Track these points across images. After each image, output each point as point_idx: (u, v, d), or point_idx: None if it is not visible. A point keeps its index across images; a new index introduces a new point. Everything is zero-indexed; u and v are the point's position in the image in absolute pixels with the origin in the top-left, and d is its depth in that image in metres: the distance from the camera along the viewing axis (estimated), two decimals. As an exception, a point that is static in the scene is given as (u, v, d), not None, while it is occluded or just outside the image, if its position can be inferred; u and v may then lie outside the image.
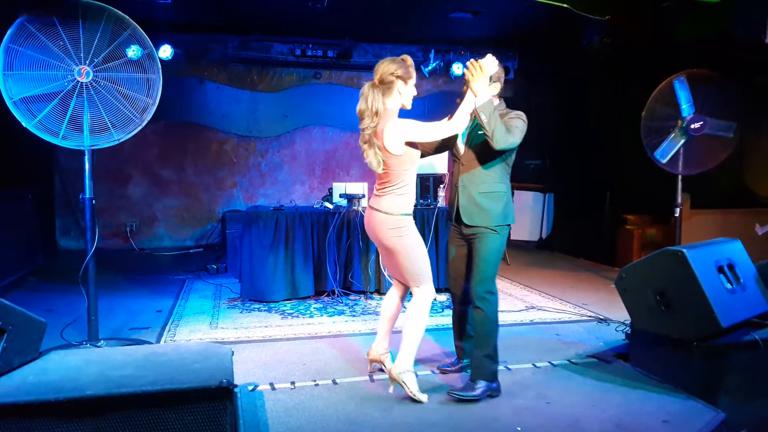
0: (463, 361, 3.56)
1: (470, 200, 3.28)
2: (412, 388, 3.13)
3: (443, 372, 3.57)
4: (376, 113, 3.14)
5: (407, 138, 3.11)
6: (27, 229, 6.25)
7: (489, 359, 3.20)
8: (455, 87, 8.59)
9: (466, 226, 3.30)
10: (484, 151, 3.25)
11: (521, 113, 3.30)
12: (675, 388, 3.21)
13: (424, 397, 3.13)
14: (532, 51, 8.50)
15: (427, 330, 3.66)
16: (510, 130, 3.16)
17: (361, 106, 3.18)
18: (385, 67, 3.16)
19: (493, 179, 3.29)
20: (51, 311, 4.82)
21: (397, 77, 3.15)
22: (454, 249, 3.45)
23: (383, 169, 3.15)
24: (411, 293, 3.30)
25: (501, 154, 3.23)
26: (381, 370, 3.52)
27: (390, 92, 3.17)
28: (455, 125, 3.14)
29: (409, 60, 3.22)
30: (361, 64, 8.56)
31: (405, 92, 3.20)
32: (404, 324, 3.23)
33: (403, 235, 3.16)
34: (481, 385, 3.17)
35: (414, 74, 3.23)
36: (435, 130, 3.13)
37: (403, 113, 3.24)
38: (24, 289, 5.75)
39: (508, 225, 3.31)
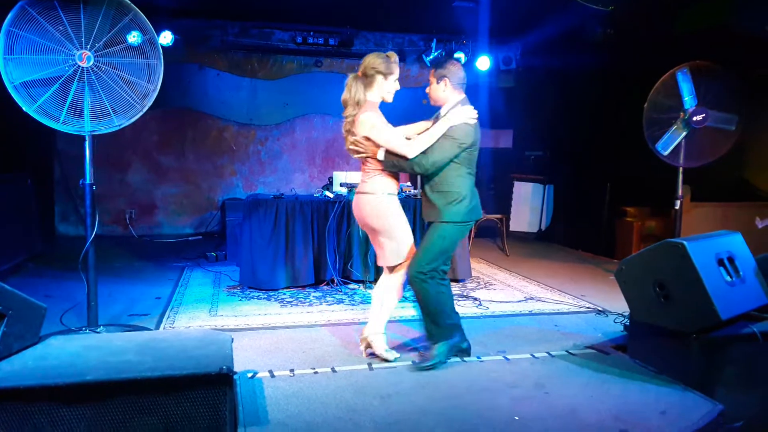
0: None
1: (425, 197, 3.52)
2: (380, 347, 3.51)
3: (421, 355, 3.59)
4: (358, 103, 3.38)
5: (367, 133, 3.33)
6: (26, 214, 6.24)
7: (432, 323, 3.46)
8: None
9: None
10: None
11: (457, 128, 3.37)
12: (673, 379, 3.22)
13: (390, 355, 3.50)
14: (535, 41, 8.45)
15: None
16: (430, 150, 3.36)
17: (344, 95, 3.41)
18: (370, 60, 3.39)
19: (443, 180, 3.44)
20: (50, 297, 4.83)
21: (377, 72, 3.37)
22: None
23: (366, 157, 3.40)
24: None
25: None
26: (372, 354, 3.59)
27: (371, 85, 3.39)
28: (409, 150, 3.32)
29: (394, 57, 3.46)
30: (362, 52, 8.47)
31: (385, 87, 3.41)
32: (376, 298, 3.58)
33: (388, 214, 3.41)
34: (437, 349, 3.44)
35: (396, 71, 3.44)
36: (392, 142, 3.33)
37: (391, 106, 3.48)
38: (22, 275, 5.74)
39: (464, 222, 3.47)
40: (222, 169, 8.76)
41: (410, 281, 3.43)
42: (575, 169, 8.08)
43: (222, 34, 8.07)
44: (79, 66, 3.66)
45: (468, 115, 3.38)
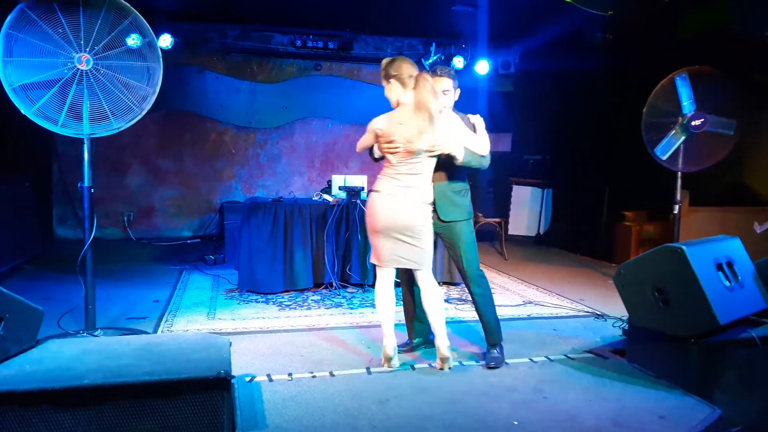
0: (414, 340, 3.86)
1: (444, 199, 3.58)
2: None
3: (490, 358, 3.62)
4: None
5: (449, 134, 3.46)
6: (24, 217, 6.24)
7: (496, 322, 3.65)
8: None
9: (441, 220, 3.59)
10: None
11: None
12: (671, 384, 3.22)
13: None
14: (534, 45, 8.47)
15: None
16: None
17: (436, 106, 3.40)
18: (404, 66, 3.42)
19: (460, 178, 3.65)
20: (48, 300, 4.82)
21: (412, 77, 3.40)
22: None
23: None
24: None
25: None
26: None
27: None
28: (485, 148, 3.51)
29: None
30: (361, 56, 8.53)
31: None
32: (433, 309, 3.48)
33: (430, 222, 3.52)
34: (502, 349, 3.64)
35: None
36: (475, 142, 3.52)
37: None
38: (20, 278, 5.73)
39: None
40: (221, 172, 8.76)
41: (474, 283, 3.57)
42: (574, 173, 8.09)
43: (221, 38, 8.08)
44: (78, 69, 3.66)
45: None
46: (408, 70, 3.38)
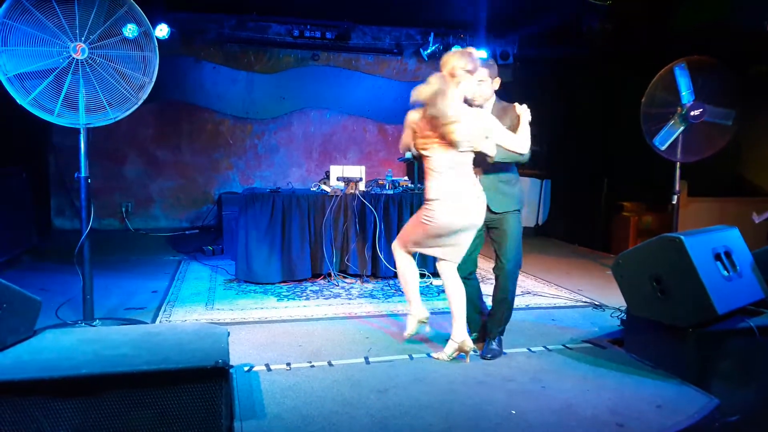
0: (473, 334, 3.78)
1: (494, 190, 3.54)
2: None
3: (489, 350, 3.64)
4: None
5: (487, 132, 3.38)
6: (21, 207, 6.21)
7: (509, 313, 3.71)
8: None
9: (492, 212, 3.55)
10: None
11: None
12: (669, 374, 3.23)
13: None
14: (532, 36, 8.43)
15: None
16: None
17: (430, 92, 3.28)
18: (455, 61, 3.27)
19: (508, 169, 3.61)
20: (45, 290, 4.80)
21: (466, 71, 3.27)
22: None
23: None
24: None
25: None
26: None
27: (458, 84, 3.29)
28: (521, 145, 3.42)
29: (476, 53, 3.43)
30: (359, 46, 8.48)
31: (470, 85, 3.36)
32: (459, 299, 3.49)
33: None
34: (501, 342, 3.65)
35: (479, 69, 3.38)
36: (510, 139, 3.43)
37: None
38: (18, 269, 5.72)
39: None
40: (218, 163, 8.73)
41: (509, 279, 3.60)
42: (572, 164, 8.08)
43: (218, 27, 8.02)
44: (73, 58, 3.63)
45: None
46: (447, 64, 3.31)
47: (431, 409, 2.86)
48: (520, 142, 3.40)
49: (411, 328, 3.68)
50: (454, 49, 3.44)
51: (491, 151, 3.35)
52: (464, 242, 3.46)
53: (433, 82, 3.23)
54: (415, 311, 3.65)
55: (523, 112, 3.49)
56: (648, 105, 5.34)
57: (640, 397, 2.99)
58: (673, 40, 6.05)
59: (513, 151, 3.41)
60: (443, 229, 3.36)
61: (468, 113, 3.27)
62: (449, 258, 3.48)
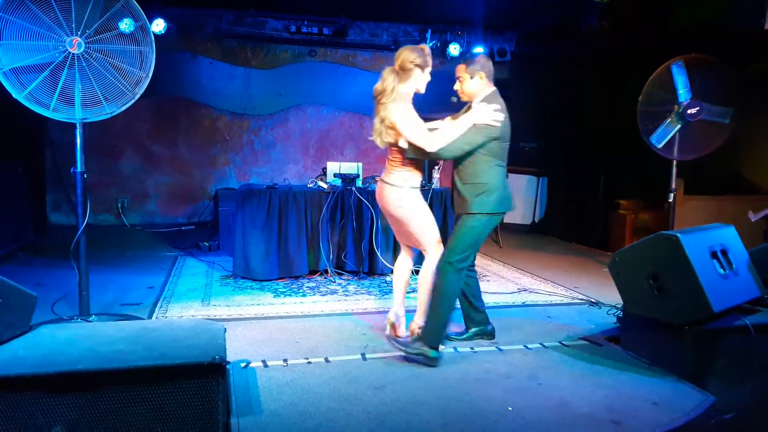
0: (471, 329, 3.83)
1: (455, 190, 3.59)
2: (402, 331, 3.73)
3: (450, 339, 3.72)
4: (392, 94, 3.43)
5: (395, 123, 3.40)
6: (17, 203, 6.18)
7: (432, 313, 3.48)
8: (451, 68, 8.50)
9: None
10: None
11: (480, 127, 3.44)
12: (665, 371, 3.23)
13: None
14: (530, 33, 8.43)
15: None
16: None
17: (378, 86, 3.47)
18: (406, 54, 3.45)
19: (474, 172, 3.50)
20: (41, 286, 4.79)
21: (416, 65, 3.45)
22: None
23: (391, 145, 3.50)
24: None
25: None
26: (393, 337, 3.71)
27: (407, 78, 3.47)
28: (430, 143, 3.36)
29: (427, 49, 3.55)
30: (356, 42, 8.46)
31: (421, 79, 3.52)
32: (419, 286, 3.60)
33: (409, 205, 3.54)
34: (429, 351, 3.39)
35: (430, 63, 3.54)
36: (415, 134, 3.39)
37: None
38: (13, 264, 5.70)
39: (493, 213, 3.49)
40: (215, 158, 8.71)
41: (437, 270, 3.47)
42: (569, 162, 8.08)
43: (216, 23, 7.99)
44: (69, 52, 3.61)
45: (493, 117, 3.40)
46: (398, 58, 3.49)
47: (428, 405, 2.86)
48: (426, 140, 3.36)
49: None
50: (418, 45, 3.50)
51: (403, 145, 3.45)
52: (395, 228, 3.77)
53: (384, 77, 3.45)
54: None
55: (473, 111, 3.43)
56: (645, 103, 5.36)
57: (637, 395, 2.99)
58: (671, 38, 6.06)
59: (418, 147, 3.40)
60: None
61: (381, 108, 3.45)
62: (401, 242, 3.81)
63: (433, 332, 3.40)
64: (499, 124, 3.45)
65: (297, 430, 2.60)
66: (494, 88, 3.58)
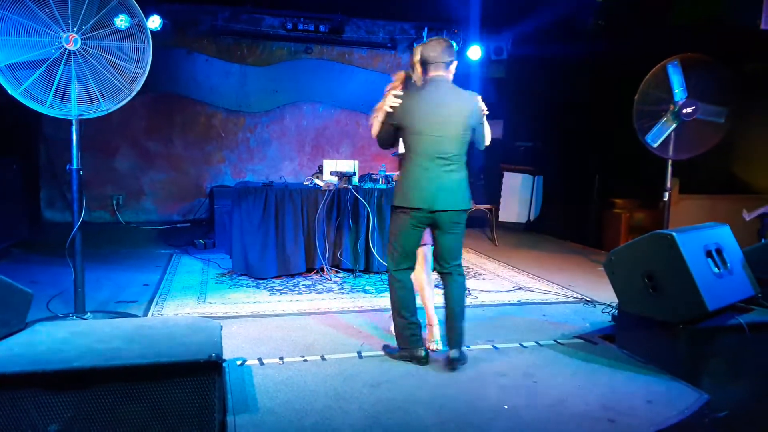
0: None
1: None
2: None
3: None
4: None
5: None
6: (11, 199, 6.15)
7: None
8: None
9: None
10: None
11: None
12: (660, 369, 3.25)
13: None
14: (526, 31, 8.42)
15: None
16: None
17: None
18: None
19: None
20: (36, 283, 4.77)
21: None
22: None
23: None
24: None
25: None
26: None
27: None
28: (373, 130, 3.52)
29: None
30: (353, 39, 8.46)
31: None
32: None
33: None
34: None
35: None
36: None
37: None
38: (8, 261, 5.68)
39: (399, 207, 3.36)
40: (210, 156, 8.68)
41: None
42: (565, 160, 8.10)
43: (212, 19, 7.98)
44: (65, 49, 3.60)
45: (388, 102, 3.35)
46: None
47: (424, 403, 2.87)
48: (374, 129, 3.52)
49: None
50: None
51: (373, 131, 3.56)
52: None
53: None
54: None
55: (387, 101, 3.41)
56: (641, 102, 5.37)
57: (631, 393, 3.01)
58: (666, 37, 6.07)
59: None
60: None
61: None
62: None
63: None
64: (389, 109, 3.33)
65: (293, 428, 2.61)
66: (441, 78, 3.36)
